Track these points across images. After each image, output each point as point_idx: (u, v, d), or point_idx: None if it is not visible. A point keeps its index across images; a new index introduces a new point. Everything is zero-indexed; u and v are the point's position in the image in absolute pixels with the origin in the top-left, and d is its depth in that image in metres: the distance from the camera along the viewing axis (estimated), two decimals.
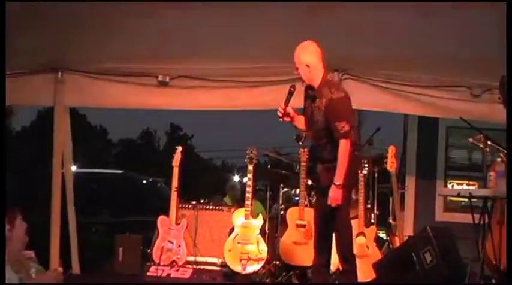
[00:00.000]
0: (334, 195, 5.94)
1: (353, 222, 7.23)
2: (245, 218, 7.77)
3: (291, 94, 6.10)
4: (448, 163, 9.79)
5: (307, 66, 6.05)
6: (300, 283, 7.60)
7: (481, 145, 6.71)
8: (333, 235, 6.22)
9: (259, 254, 7.62)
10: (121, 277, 8.05)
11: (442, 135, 9.77)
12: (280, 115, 6.11)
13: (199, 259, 7.85)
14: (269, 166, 9.35)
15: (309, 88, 6.22)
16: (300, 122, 6.33)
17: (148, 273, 7.37)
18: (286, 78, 7.42)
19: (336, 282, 6.73)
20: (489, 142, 6.63)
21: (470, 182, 9.59)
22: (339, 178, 5.92)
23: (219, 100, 8.20)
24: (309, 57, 6.06)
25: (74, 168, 9.31)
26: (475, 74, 7.61)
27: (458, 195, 6.71)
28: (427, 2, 6.41)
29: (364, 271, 6.99)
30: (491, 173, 6.20)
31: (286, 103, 6.09)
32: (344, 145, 5.93)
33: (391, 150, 7.86)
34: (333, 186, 5.93)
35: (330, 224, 6.20)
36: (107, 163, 36.89)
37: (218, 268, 7.75)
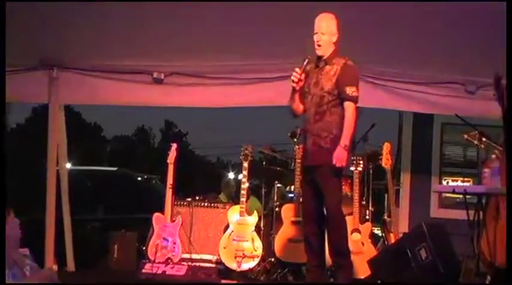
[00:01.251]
0: (340, 155, 5.87)
1: (348, 219, 7.24)
2: (240, 215, 7.78)
3: (307, 62, 6.13)
4: (442, 160, 9.78)
5: (335, 34, 6.16)
6: (295, 282, 7.60)
7: (476, 142, 6.73)
8: (325, 229, 6.08)
9: (254, 251, 7.63)
10: (116, 274, 8.04)
11: (437, 131, 9.76)
12: (296, 80, 6.10)
13: (195, 256, 7.84)
14: (264, 163, 9.32)
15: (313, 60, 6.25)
16: (297, 99, 6.28)
17: (143, 271, 7.34)
18: (280, 75, 7.43)
19: (331, 279, 6.72)
20: (484, 139, 6.64)
21: (465, 179, 9.60)
22: (345, 140, 5.91)
23: (213, 97, 8.18)
24: (335, 28, 6.18)
25: (68, 165, 9.29)
26: (469, 71, 7.62)
27: (453, 191, 6.71)
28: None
29: (359, 268, 7.00)
30: (486, 170, 6.21)
31: (303, 70, 6.12)
32: (351, 108, 6.00)
33: (386, 147, 7.87)
34: (339, 147, 5.87)
35: (320, 219, 6.08)
36: (102, 160, 36.85)
37: (213, 265, 7.73)
